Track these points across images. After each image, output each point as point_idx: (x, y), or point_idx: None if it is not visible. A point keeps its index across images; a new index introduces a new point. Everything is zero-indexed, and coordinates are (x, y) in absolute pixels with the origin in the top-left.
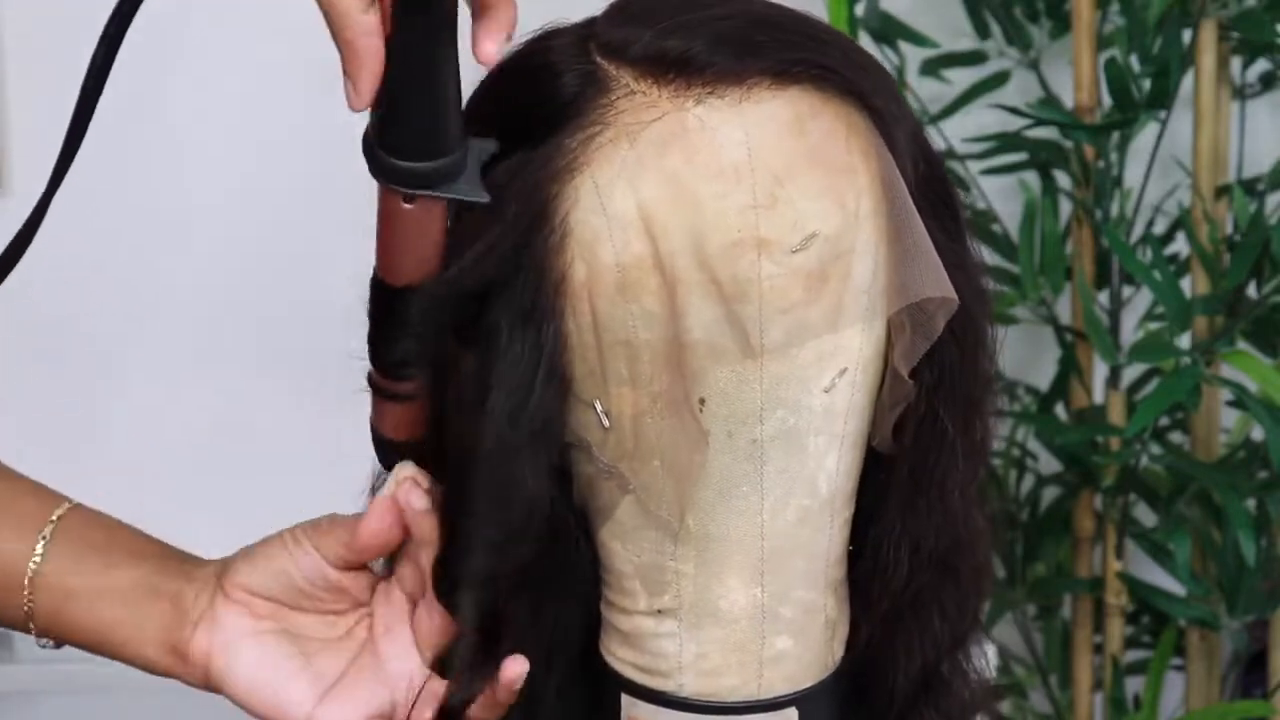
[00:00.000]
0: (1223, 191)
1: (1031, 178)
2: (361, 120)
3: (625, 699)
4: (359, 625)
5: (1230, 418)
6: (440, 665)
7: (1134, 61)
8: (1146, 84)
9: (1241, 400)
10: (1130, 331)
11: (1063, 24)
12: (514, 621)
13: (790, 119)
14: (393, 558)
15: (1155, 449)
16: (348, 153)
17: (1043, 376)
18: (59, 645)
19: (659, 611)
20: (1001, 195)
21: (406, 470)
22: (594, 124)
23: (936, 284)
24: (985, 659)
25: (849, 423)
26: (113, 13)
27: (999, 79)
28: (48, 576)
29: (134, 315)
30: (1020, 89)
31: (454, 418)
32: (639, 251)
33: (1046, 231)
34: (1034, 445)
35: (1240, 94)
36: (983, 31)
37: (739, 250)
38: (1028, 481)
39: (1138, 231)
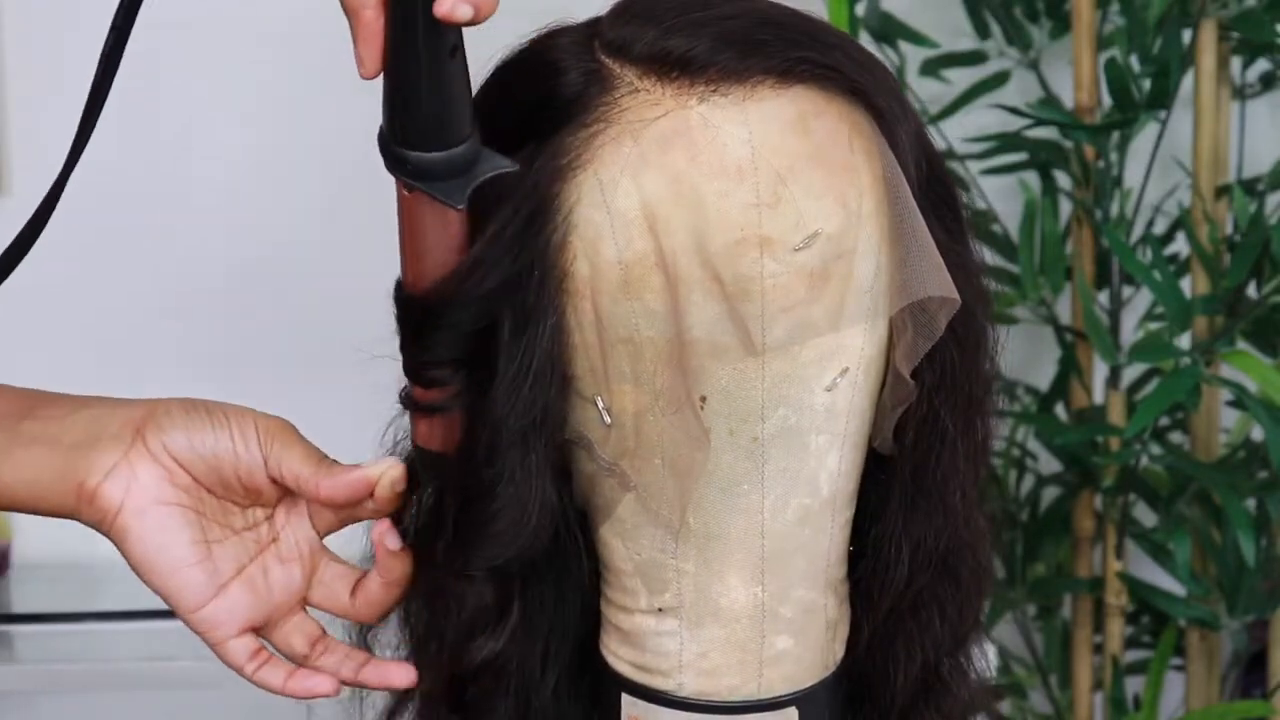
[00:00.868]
0: (1223, 191)
1: (1031, 178)
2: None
3: (625, 698)
4: (259, 527)
5: (1230, 418)
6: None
7: (1134, 61)
8: (1146, 84)
9: (1241, 400)
10: (1130, 331)
11: (1063, 24)
12: (514, 620)
13: (793, 118)
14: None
15: (1155, 449)
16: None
17: (1043, 376)
18: None
19: (659, 610)
20: (1001, 195)
21: (396, 471)
22: (598, 121)
23: (939, 284)
24: (985, 659)
25: (850, 422)
26: (119, 4)
27: (999, 79)
28: None
29: (135, 315)
30: (1020, 89)
31: (458, 412)
32: (642, 249)
33: (1046, 231)
34: (1034, 445)
35: (1240, 94)
36: (983, 31)
37: (742, 248)
38: (1028, 481)
39: (1138, 231)
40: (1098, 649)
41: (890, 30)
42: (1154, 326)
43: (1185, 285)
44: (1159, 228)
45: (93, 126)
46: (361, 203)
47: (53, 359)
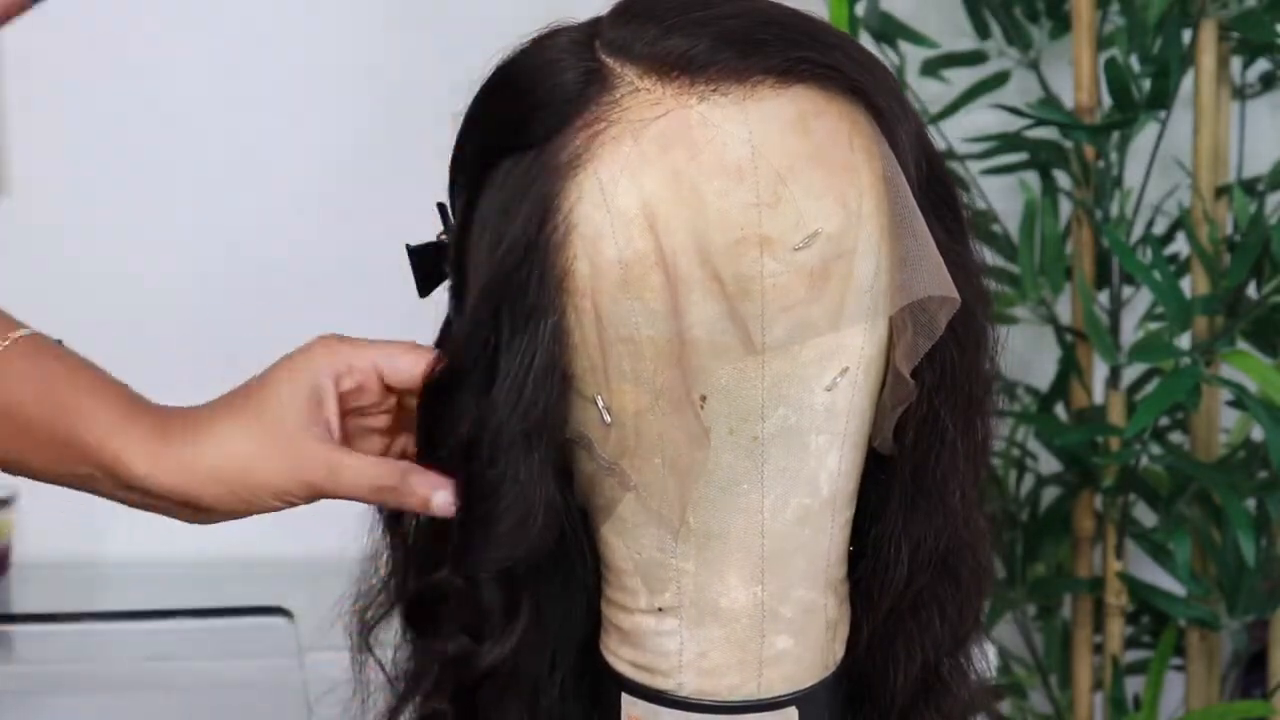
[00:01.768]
0: (1223, 191)
1: (1031, 178)
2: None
3: (625, 698)
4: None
5: (1230, 418)
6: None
7: (1134, 61)
8: (1146, 84)
9: (1241, 400)
10: (1130, 331)
11: (1063, 24)
12: (517, 619)
13: (793, 117)
14: None
15: (1155, 449)
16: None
17: (1043, 376)
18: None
19: (659, 609)
20: (1001, 195)
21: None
22: (598, 120)
23: (938, 283)
24: (986, 659)
25: (850, 422)
26: None
27: (999, 79)
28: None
29: (135, 316)
30: (1020, 89)
31: (461, 411)
32: (642, 248)
33: (1046, 231)
34: (1034, 445)
35: (1240, 94)
36: (983, 31)
37: (742, 248)
38: (1028, 481)
39: (1138, 231)
40: (1098, 649)
41: (890, 30)
42: (1154, 326)
43: (1185, 285)
44: (1159, 228)
45: None
46: (362, 202)
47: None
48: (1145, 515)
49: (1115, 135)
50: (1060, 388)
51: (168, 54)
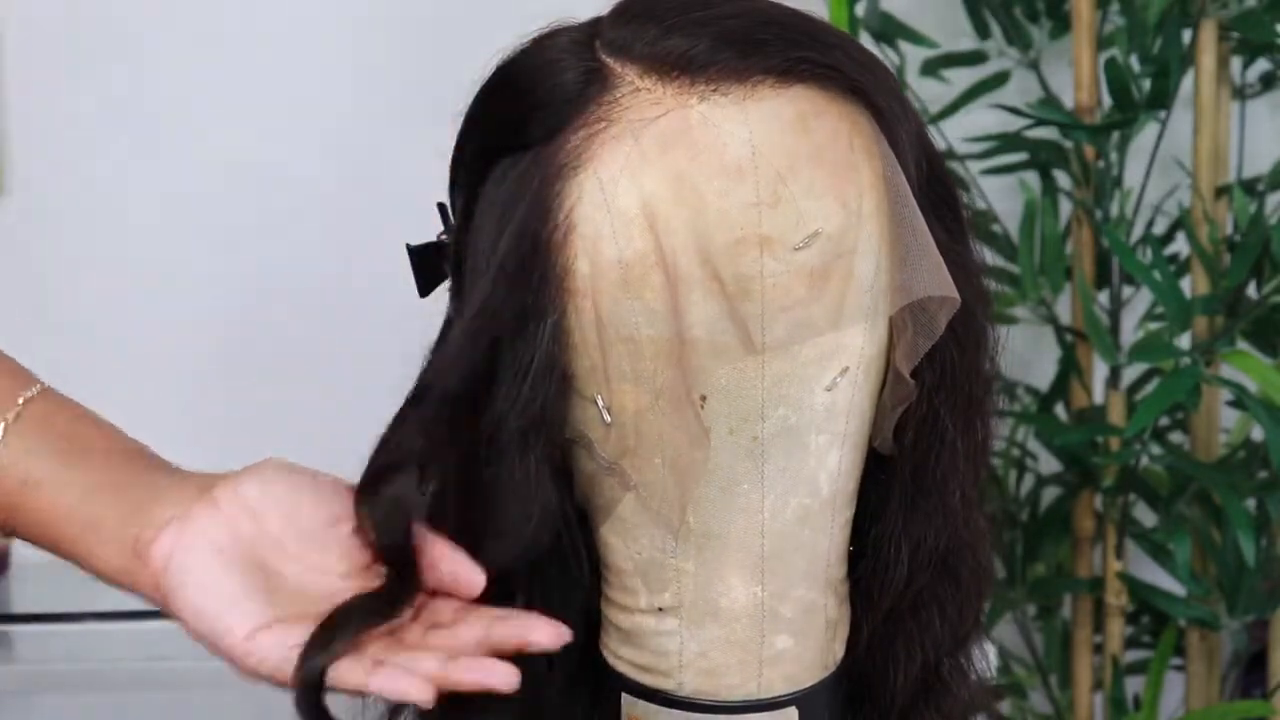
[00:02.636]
0: (1223, 191)
1: (1031, 178)
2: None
3: (625, 698)
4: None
5: (1230, 418)
6: None
7: (1134, 61)
8: (1146, 84)
9: (1241, 400)
10: (1130, 331)
11: (1063, 24)
12: None
13: (793, 117)
14: None
15: (1155, 449)
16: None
17: (1043, 376)
18: (6, 535)
19: (660, 609)
20: (1001, 195)
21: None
22: (598, 120)
23: (938, 283)
24: (986, 660)
25: (850, 422)
26: None
27: (999, 79)
28: (6, 462)
29: (135, 316)
30: (1020, 89)
31: (462, 412)
32: (642, 248)
33: (1046, 231)
34: (1034, 445)
35: (1240, 94)
36: (983, 31)
37: (742, 247)
38: (1028, 481)
39: (1138, 231)
40: (1098, 649)
41: (890, 30)
42: (1154, 326)
43: (1185, 285)
44: (1159, 228)
45: None
46: (362, 201)
47: (50, 365)
48: (1145, 515)
49: (1115, 135)
50: (1060, 388)
51: (168, 54)
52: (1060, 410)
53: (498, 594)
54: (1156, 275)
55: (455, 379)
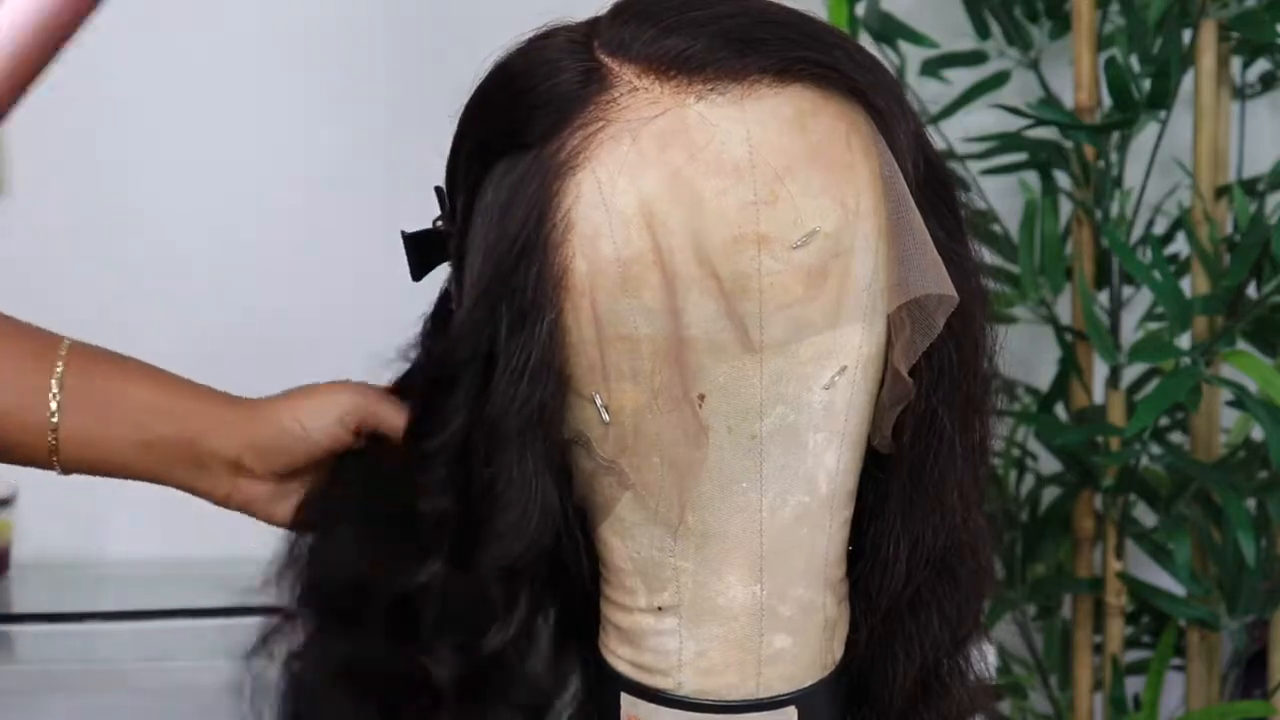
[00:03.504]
0: (1223, 191)
1: (1031, 178)
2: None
3: (624, 698)
4: None
5: (1230, 418)
6: None
7: (1134, 61)
8: (1146, 84)
9: (1241, 400)
10: (1130, 331)
11: (1063, 24)
12: (520, 618)
13: (791, 116)
14: None
15: (1155, 449)
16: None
17: (1043, 376)
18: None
19: (659, 608)
20: (1001, 195)
21: None
22: (596, 120)
23: (936, 281)
24: (986, 661)
25: (849, 420)
26: None
27: (999, 79)
28: (67, 431)
29: (135, 316)
30: (1020, 89)
31: (458, 409)
32: (639, 247)
33: (1046, 231)
34: (1034, 445)
35: (1240, 94)
36: (983, 31)
37: (739, 246)
38: (1028, 481)
39: (1138, 231)
40: (1098, 649)
41: (890, 30)
42: (1154, 326)
43: (1185, 285)
44: (1159, 228)
45: None
46: (363, 201)
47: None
48: (1145, 515)
49: (1115, 135)
50: (1060, 388)
51: (169, 53)
52: (1060, 410)
53: (503, 594)
54: (1156, 275)
55: (454, 368)
